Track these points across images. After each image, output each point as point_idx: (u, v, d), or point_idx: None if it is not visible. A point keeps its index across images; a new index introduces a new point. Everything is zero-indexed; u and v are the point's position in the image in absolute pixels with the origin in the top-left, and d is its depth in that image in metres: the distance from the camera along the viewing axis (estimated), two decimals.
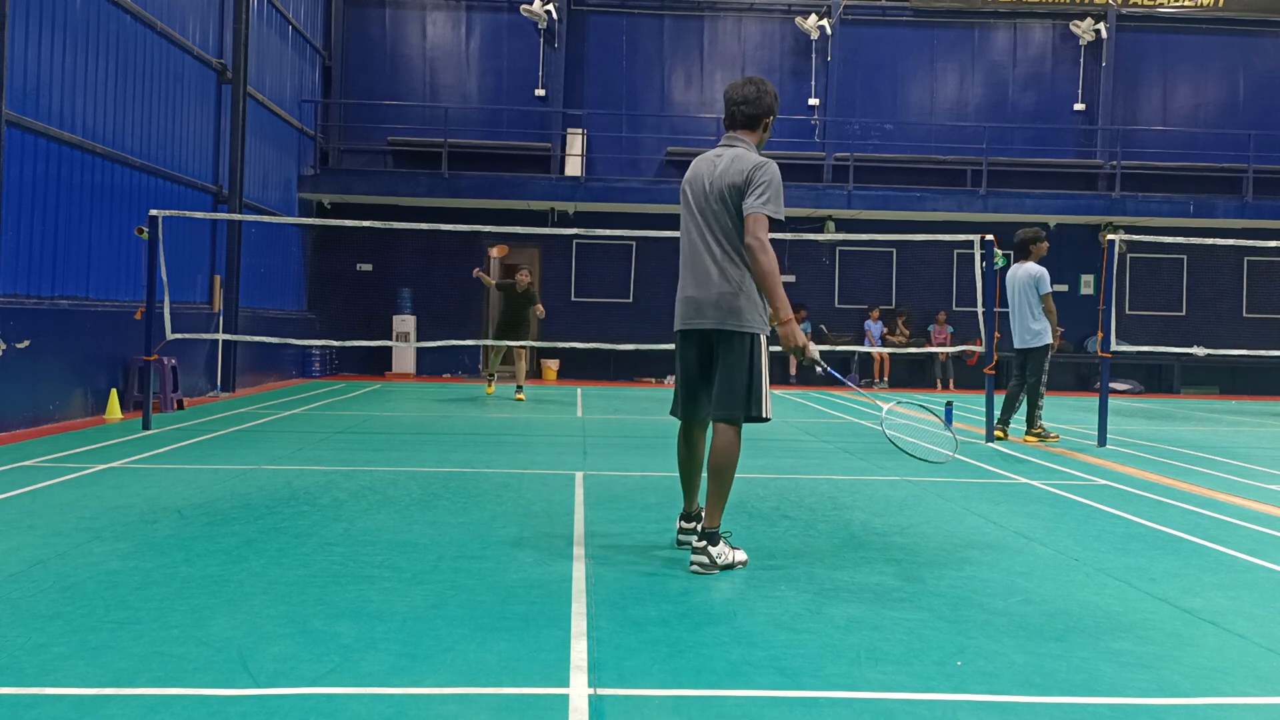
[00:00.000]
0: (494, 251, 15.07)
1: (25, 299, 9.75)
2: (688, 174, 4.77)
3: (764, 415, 4.56)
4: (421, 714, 2.82)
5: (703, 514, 4.63)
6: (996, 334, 10.36)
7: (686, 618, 3.79)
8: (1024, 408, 10.59)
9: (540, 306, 14.33)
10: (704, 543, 4.51)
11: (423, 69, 20.88)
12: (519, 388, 14.66)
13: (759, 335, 4.58)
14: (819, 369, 4.68)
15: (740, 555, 4.65)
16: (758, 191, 4.46)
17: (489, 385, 15.22)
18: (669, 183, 19.87)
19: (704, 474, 4.73)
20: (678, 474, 5.00)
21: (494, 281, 15.16)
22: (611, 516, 5.80)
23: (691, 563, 4.52)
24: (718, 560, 4.50)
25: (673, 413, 4.89)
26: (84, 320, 10.72)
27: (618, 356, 20.00)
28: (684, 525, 4.95)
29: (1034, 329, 10.13)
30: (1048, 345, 10.12)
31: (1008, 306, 10.50)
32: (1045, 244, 10.49)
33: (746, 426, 4.72)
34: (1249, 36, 21.66)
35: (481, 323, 20.60)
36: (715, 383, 4.61)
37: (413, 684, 3.03)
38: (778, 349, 4.82)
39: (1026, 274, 10.23)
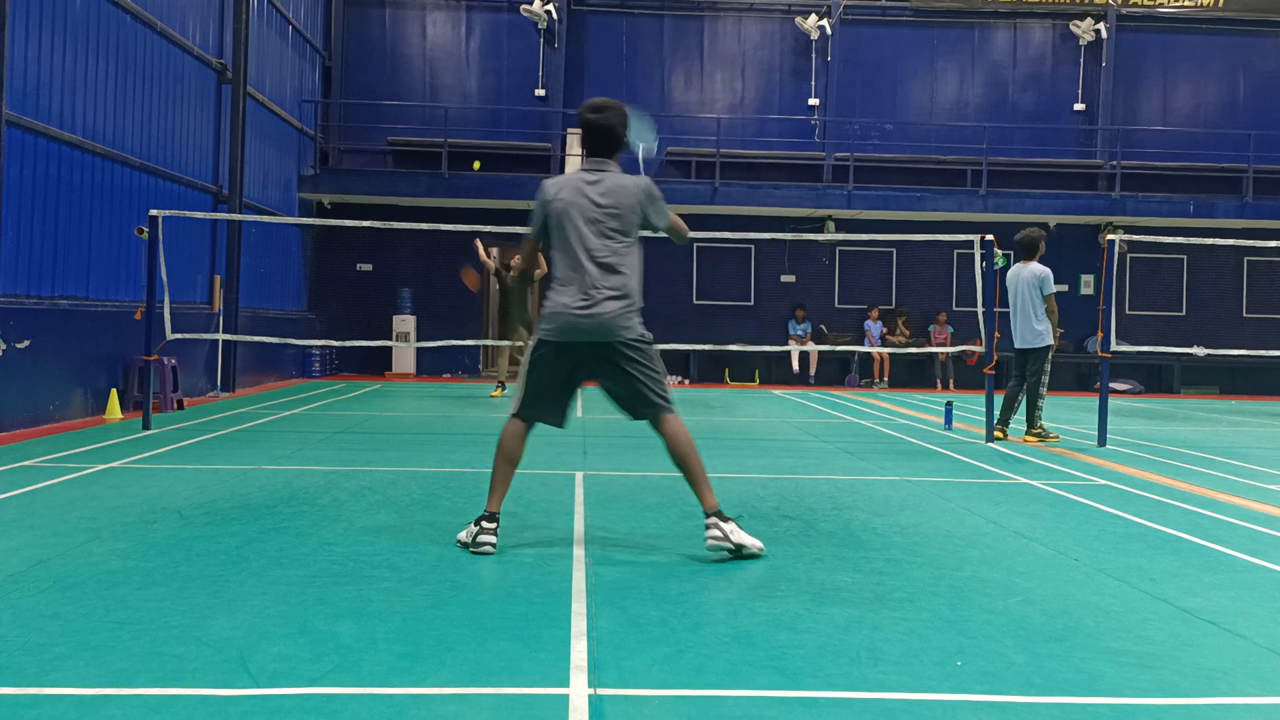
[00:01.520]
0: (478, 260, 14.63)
1: (25, 299, 9.75)
2: (561, 194, 4.87)
3: (670, 402, 4.94)
4: (421, 714, 2.82)
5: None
6: (997, 334, 10.35)
7: (686, 618, 3.79)
8: (1023, 407, 10.59)
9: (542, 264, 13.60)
10: (715, 519, 4.69)
11: (423, 69, 20.88)
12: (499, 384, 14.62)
13: (648, 335, 4.94)
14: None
15: (756, 542, 4.75)
16: (659, 210, 4.93)
17: (498, 389, 14.97)
18: (669, 182, 19.85)
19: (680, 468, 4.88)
20: (493, 469, 4.96)
21: (494, 264, 14.81)
22: (611, 516, 5.80)
23: (709, 539, 4.68)
24: (731, 536, 4.66)
25: (525, 415, 4.95)
26: (84, 320, 10.72)
27: None
28: (485, 525, 4.80)
29: (1037, 329, 10.14)
30: (1049, 345, 10.13)
31: (1007, 306, 10.51)
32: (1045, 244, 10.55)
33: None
34: (1249, 36, 21.66)
35: (482, 323, 20.61)
36: (630, 386, 4.86)
37: (413, 684, 3.03)
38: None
39: (1031, 274, 10.23)
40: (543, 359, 4.88)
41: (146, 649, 3.29)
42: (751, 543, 4.74)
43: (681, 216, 5.33)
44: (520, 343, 12.82)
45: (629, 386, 4.87)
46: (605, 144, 4.92)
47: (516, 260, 14.15)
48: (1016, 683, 3.18)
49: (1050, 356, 10.19)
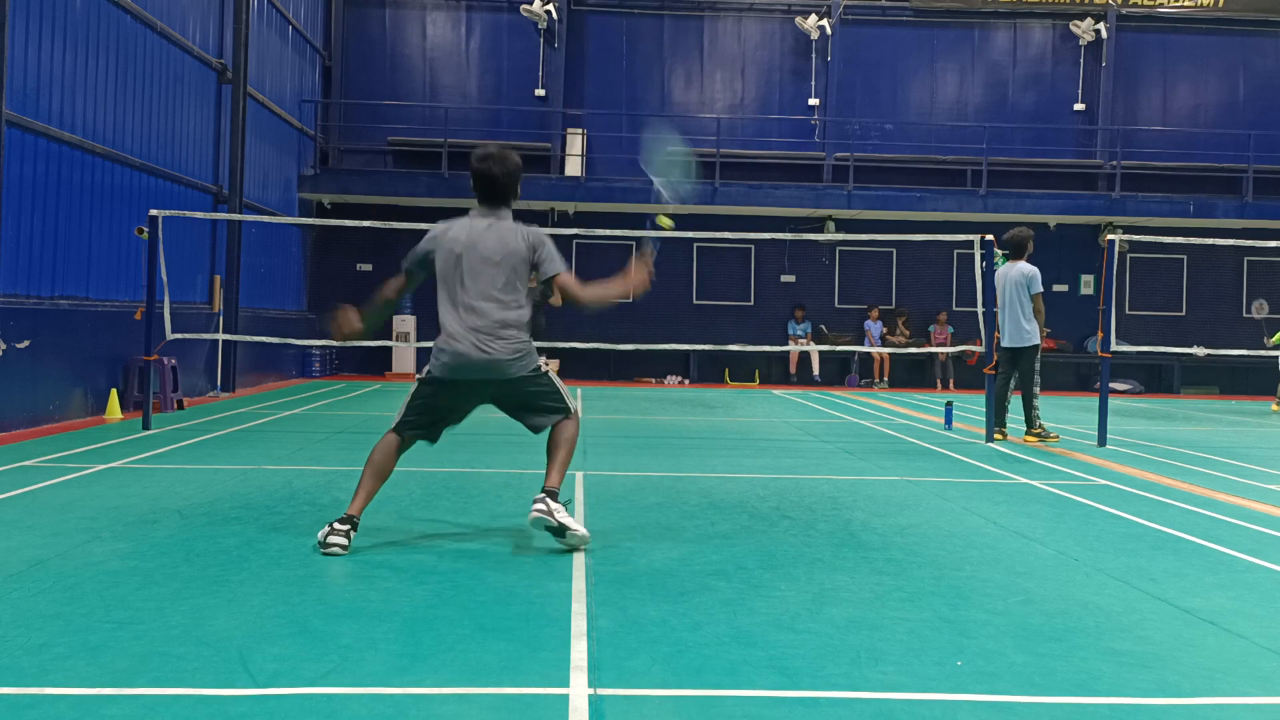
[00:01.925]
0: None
1: (25, 299, 9.75)
2: (451, 236, 4.93)
3: (573, 409, 5.10)
4: (421, 714, 2.82)
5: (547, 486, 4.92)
6: (997, 334, 10.37)
7: (686, 617, 3.79)
8: (1015, 405, 10.63)
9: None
10: (547, 496, 4.84)
11: (423, 69, 20.88)
12: None
13: (541, 363, 5.08)
14: (658, 232, 5.37)
15: (582, 531, 4.86)
16: (549, 258, 4.97)
17: None
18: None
19: (556, 450, 5.04)
20: (361, 475, 4.98)
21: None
22: (611, 516, 5.80)
23: (533, 512, 4.81)
24: (555, 514, 4.79)
25: (402, 433, 5.01)
26: (84, 320, 10.72)
27: (617, 356, 20.00)
28: (337, 527, 4.71)
29: (1025, 328, 10.24)
30: (1037, 345, 10.20)
31: (997, 305, 10.56)
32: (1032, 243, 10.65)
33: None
34: (1249, 36, 21.66)
35: None
36: (529, 407, 5.04)
37: (413, 684, 3.03)
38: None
39: (1019, 273, 10.31)
40: (428, 393, 4.98)
41: (146, 649, 3.29)
42: (577, 529, 4.83)
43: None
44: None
45: (528, 407, 5.05)
46: (489, 192, 4.99)
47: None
48: (1016, 683, 3.18)
49: (1039, 356, 10.25)
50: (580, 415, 5.14)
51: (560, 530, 4.77)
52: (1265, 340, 18.69)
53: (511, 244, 4.90)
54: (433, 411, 5.01)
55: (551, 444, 5.04)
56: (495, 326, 4.84)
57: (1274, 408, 16.31)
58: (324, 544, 4.69)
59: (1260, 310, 20.28)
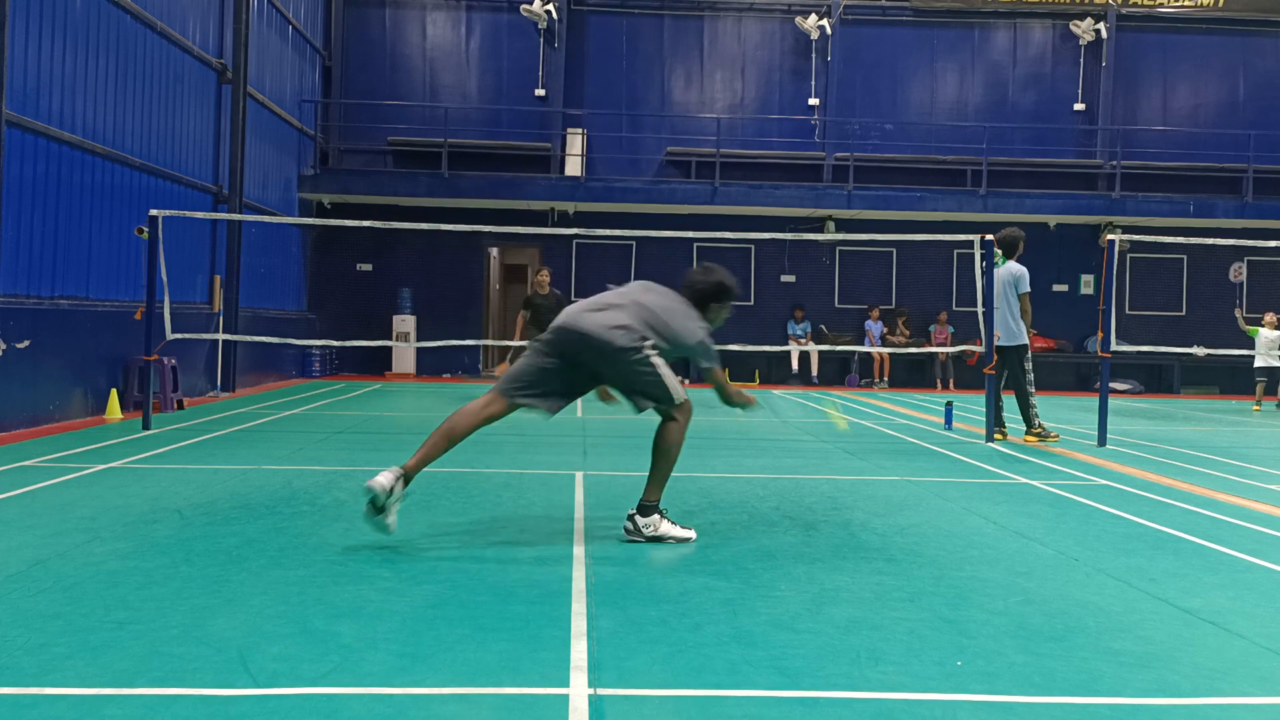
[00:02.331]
0: None
1: (25, 299, 9.76)
2: (645, 283, 5.41)
3: (680, 400, 5.11)
4: (421, 714, 2.82)
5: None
6: (997, 334, 10.38)
7: (686, 618, 3.79)
8: (1008, 405, 10.64)
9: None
10: (636, 514, 5.09)
11: (423, 69, 20.88)
12: None
13: (648, 350, 5.05)
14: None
15: (678, 531, 5.11)
16: (699, 349, 5.17)
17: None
18: (669, 183, 19.87)
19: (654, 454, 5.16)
20: (437, 439, 5.01)
21: (521, 326, 13.62)
22: (611, 516, 5.79)
23: (626, 534, 5.12)
24: (644, 531, 5.05)
25: (506, 387, 5.09)
26: (84, 320, 10.72)
27: None
28: (398, 471, 4.79)
29: (1012, 328, 10.33)
30: (1025, 345, 10.24)
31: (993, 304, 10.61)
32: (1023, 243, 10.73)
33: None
34: (1249, 36, 21.66)
35: (482, 324, 20.62)
36: (635, 389, 5.09)
37: (413, 684, 3.03)
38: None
39: (1008, 273, 10.42)
40: (535, 350, 5.19)
41: (146, 649, 3.29)
42: (675, 534, 5.08)
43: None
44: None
45: (632, 388, 5.13)
46: (689, 293, 5.33)
47: (543, 276, 13.76)
48: (1016, 683, 3.18)
49: (1029, 355, 10.29)
50: (690, 411, 5.18)
51: (659, 541, 5.03)
52: (1237, 314, 18.59)
53: (676, 307, 5.16)
54: (536, 373, 5.12)
55: (653, 449, 5.15)
56: (607, 308, 5.04)
57: (1254, 408, 16.40)
58: (372, 480, 4.72)
59: (1238, 274, 20.27)
